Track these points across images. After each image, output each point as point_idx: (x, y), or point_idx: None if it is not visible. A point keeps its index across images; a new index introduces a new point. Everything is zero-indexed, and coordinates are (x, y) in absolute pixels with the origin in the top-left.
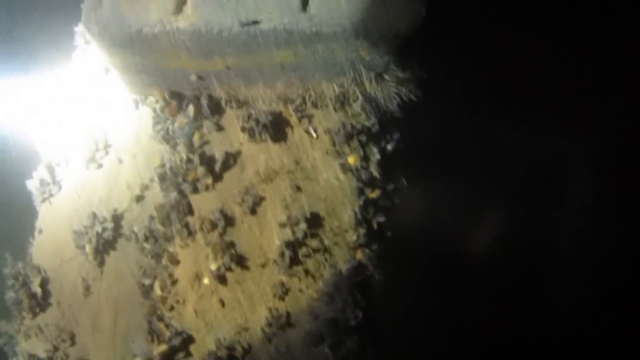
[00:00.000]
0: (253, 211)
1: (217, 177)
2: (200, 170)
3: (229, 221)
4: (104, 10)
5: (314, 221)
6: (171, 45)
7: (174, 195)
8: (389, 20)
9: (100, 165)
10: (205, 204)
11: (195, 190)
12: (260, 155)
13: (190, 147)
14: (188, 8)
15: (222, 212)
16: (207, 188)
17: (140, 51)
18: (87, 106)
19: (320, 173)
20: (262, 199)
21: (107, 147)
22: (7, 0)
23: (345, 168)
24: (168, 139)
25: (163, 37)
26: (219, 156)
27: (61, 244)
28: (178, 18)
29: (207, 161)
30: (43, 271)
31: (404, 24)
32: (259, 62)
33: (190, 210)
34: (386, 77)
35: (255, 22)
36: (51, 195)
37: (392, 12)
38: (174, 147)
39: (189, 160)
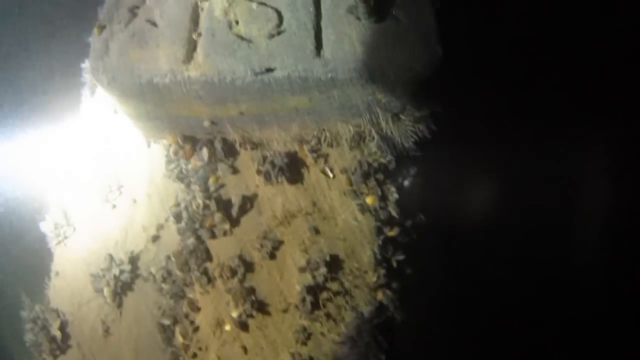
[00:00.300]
0: (272, 256)
1: (235, 222)
2: (217, 216)
3: (248, 267)
4: (112, 58)
5: (334, 264)
6: (183, 94)
7: (191, 241)
8: (405, 62)
9: (114, 206)
10: (223, 249)
11: (213, 236)
12: (277, 198)
13: (206, 192)
14: (199, 55)
15: (241, 258)
16: (224, 234)
17: (151, 100)
18: (98, 146)
19: (338, 214)
20: (280, 242)
21: (120, 187)
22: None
23: (363, 208)
24: (182, 177)
25: (175, 86)
26: (235, 200)
27: (78, 286)
28: (189, 67)
29: (224, 206)
30: (62, 314)
31: (421, 65)
32: (273, 107)
33: (208, 257)
34: (403, 116)
35: (269, 70)
36: (66, 238)
37: (409, 53)
38: (188, 185)
39: (206, 207)
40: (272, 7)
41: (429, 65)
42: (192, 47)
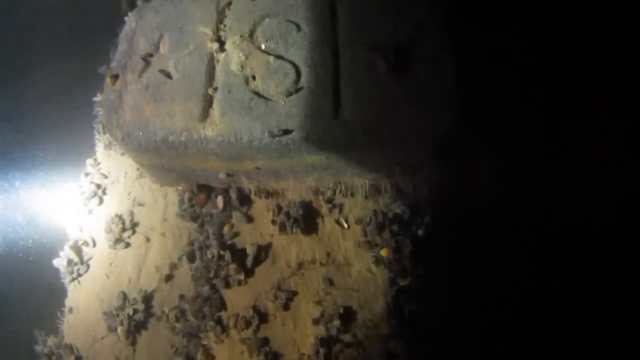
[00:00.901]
0: (286, 307)
1: (249, 273)
2: (232, 267)
3: (263, 317)
4: (126, 112)
5: (347, 315)
6: (199, 151)
7: (206, 289)
8: (425, 124)
9: (127, 245)
10: (238, 299)
11: (228, 285)
12: (291, 248)
13: (220, 239)
14: (215, 112)
15: (256, 309)
16: (239, 283)
17: (166, 155)
18: (112, 185)
19: (352, 265)
20: (294, 293)
21: (134, 226)
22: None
23: (377, 260)
24: (195, 217)
25: (190, 144)
26: (250, 250)
27: (92, 322)
28: (205, 124)
29: (239, 256)
30: (76, 349)
31: (441, 126)
32: (289, 164)
33: (223, 306)
34: (419, 170)
35: (287, 132)
36: (79, 275)
37: (429, 114)
38: (201, 225)
39: (221, 257)
40: (289, 61)
41: (449, 126)
42: (208, 103)
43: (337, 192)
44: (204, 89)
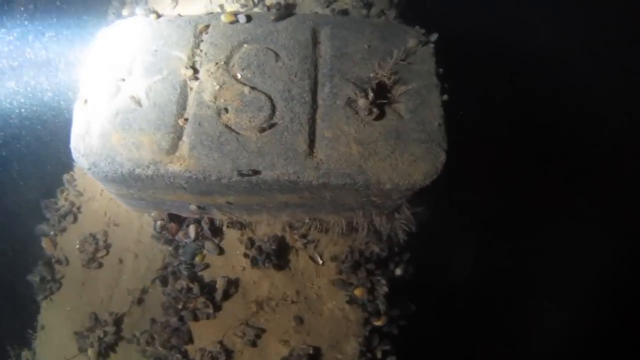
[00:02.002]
0: (254, 344)
1: (218, 307)
2: (201, 300)
3: (229, 354)
4: (93, 140)
5: (317, 356)
6: (167, 185)
7: (174, 320)
8: (405, 170)
9: (100, 265)
10: (205, 333)
11: (196, 318)
12: (262, 283)
13: (191, 271)
14: (184, 146)
15: (222, 344)
16: (207, 317)
17: (134, 186)
18: (87, 202)
19: (325, 303)
20: (263, 330)
21: (107, 246)
22: None
23: (351, 299)
24: (170, 240)
25: (157, 178)
26: (220, 283)
27: (64, 341)
28: (173, 158)
29: (208, 289)
30: None
31: (422, 174)
32: (261, 200)
33: (190, 339)
34: (397, 215)
35: (256, 172)
36: (52, 293)
37: (409, 159)
38: (176, 249)
39: (189, 289)
40: (265, 94)
41: (430, 174)
42: (177, 135)
43: (312, 228)
44: (174, 119)
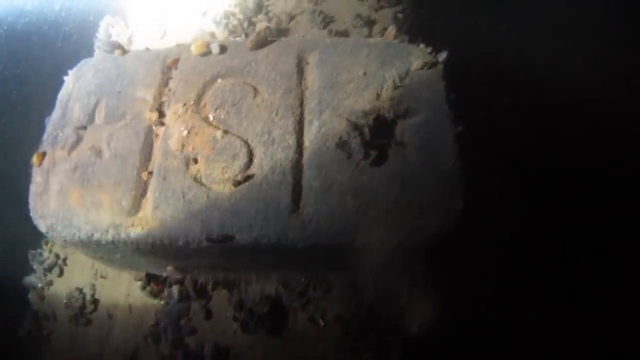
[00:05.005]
0: None
1: None
2: None
3: None
4: (50, 199)
5: None
6: (132, 250)
7: None
8: (411, 224)
9: (89, 322)
10: None
11: None
12: (255, 350)
13: (176, 336)
14: (148, 204)
15: None
16: None
17: (97, 251)
18: (72, 254)
19: None
20: None
21: (95, 301)
22: None
23: None
24: (162, 295)
25: (119, 244)
26: (207, 351)
27: None
28: (134, 220)
29: (194, 358)
30: None
31: (433, 228)
32: (244, 262)
33: None
34: (405, 272)
35: (229, 238)
36: (39, 349)
37: (417, 210)
38: (167, 304)
39: (172, 357)
40: (240, 138)
41: (443, 227)
42: (140, 192)
43: (310, 286)
44: (137, 173)
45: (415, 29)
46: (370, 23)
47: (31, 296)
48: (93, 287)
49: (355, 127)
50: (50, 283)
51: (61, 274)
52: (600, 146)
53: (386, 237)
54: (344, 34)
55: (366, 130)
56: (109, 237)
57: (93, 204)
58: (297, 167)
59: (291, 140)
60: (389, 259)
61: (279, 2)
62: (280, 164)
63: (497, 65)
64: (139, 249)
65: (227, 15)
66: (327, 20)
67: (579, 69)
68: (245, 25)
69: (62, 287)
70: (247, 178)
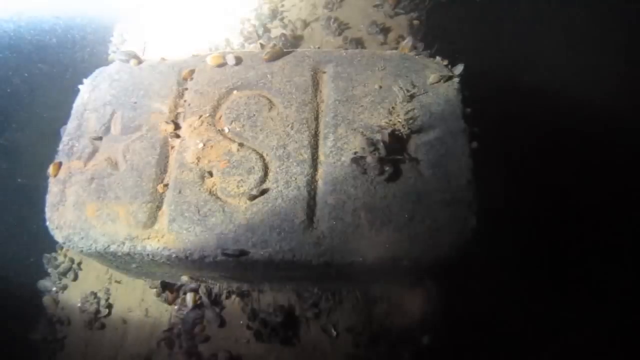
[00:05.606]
0: None
1: None
2: None
3: None
4: (67, 210)
5: None
6: (148, 262)
7: None
8: (426, 242)
9: (103, 326)
10: None
11: None
12: (268, 359)
13: (190, 344)
14: (163, 217)
15: None
16: None
17: (113, 261)
18: (87, 259)
19: None
20: None
21: (109, 306)
22: None
23: None
24: (177, 302)
25: (136, 255)
26: (221, 359)
27: None
28: (150, 233)
29: None
30: None
31: (446, 246)
32: (259, 275)
33: None
34: (418, 286)
35: (244, 253)
36: (54, 354)
37: (431, 228)
38: (181, 311)
39: None
40: (256, 152)
41: (457, 246)
42: (156, 204)
43: (323, 297)
44: (153, 186)
45: (431, 36)
46: (385, 30)
47: (45, 300)
48: (107, 291)
49: (371, 142)
50: (64, 287)
51: (76, 278)
52: (622, 157)
53: (400, 254)
54: (359, 41)
55: (382, 145)
56: (125, 249)
57: (109, 216)
58: (312, 181)
59: (306, 154)
60: (402, 276)
61: (294, 9)
62: (295, 179)
63: (513, 75)
64: (154, 260)
65: (243, 21)
66: (342, 27)
67: (595, 82)
68: (260, 31)
69: (76, 291)
70: (262, 192)
